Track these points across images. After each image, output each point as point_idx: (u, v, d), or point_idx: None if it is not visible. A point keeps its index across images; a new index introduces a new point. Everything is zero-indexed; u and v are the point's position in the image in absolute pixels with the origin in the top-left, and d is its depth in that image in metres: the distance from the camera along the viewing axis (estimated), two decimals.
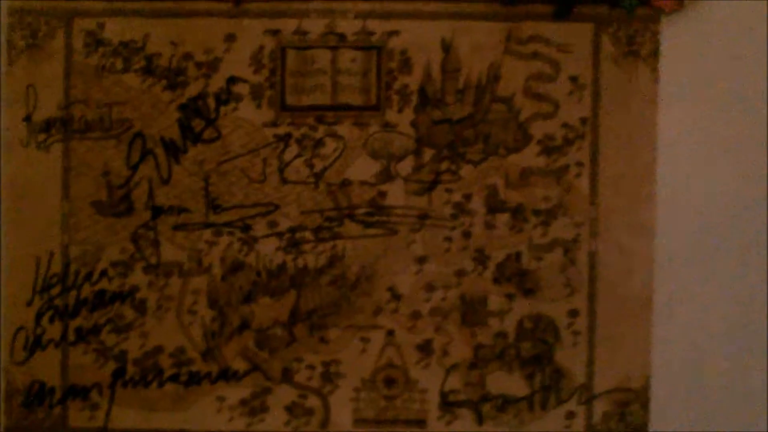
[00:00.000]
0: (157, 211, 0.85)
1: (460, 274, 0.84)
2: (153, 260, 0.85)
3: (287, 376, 0.85)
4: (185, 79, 0.85)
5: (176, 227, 0.85)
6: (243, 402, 0.85)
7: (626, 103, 0.83)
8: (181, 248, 0.85)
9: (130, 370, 0.85)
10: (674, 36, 0.83)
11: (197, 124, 0.85)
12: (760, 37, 0.84)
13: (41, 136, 0.84)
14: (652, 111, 0.83)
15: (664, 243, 0.83)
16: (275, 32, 0.84)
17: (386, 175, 0.84)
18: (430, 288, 0.84)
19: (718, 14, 0.84)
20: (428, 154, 0.84)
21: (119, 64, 0.85)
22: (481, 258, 0.84)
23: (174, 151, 0.85)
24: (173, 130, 0.85)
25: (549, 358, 0.84)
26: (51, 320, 0.85)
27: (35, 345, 0.85)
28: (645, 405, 0.84)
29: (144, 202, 0.85)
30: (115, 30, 0.85)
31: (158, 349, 0.85)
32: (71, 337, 0.85)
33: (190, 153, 0.85)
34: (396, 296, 0.84)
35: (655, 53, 0.83)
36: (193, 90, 0.85)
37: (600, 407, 0.84)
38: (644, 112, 0.83)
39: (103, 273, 0.85)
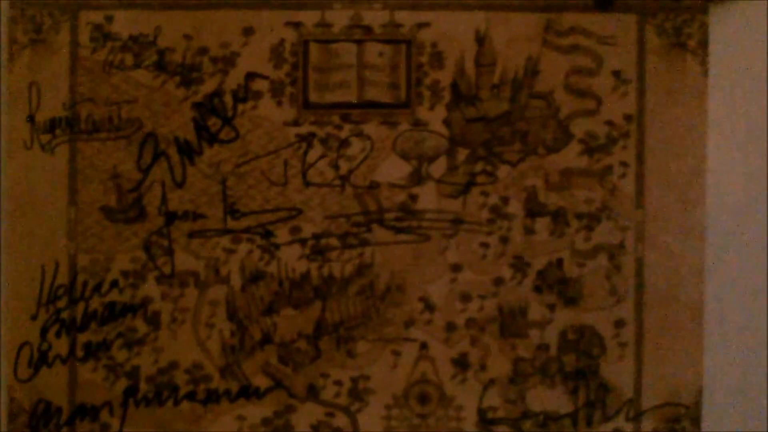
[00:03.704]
0: (171, 217, 0.80)
1: (498, 282, 0.80)
2: (167, 270, 0.80)
3: (313, 393, 0.81)
4: (200, 75, 0.80)
5: (191, 234, 0.80)
6: (265, 421, 0.81)
7: (674, 99, 0.79)
8: (197, 257, 0.80)
9: (143, 387, 0.81)
10: (724, 26, 0.79)
11: (213, 123, 0.80)
12: None
13: (45, 137, 0.80)
14: (702, 107, 0.79)
15: (715, 248, 0.79)
16: (297, 25, 0.80)
17: (417, 177, 0.80)
18: (465, 298, 0.80)
19: None
20: (462, 154, 0.80)
21: (129, 60, 0.81)
22: (520, 265, 0.80)
23: (188, 152, 0.80)
24: (188, 130, 0.80)
25: (594, 372, 0.80)
26: (57, 335, 0.80)
27: (41, 361, 0.80)
28: (696, 421, 0.80)
29: (157, 207, 0.80)
30: (124, 23, 0.80)
31: (173, 365, 0.81)
32: (79, 352, 0.80)
33: (205, 154, 0.80)
34: (429, 307, 0.80)
35: (703, 45, 0.79)
36: (208, 87, 0.80)
37: (649, 424, 0.80)
38: (693, 108, 0.79)
39: (114, 284, 0.81)
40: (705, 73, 0.79)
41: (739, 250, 0.79)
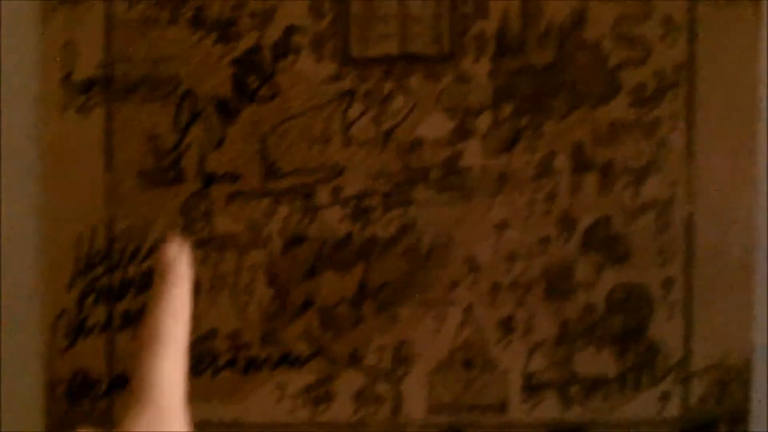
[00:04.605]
0: (210, 179, 0.78)
1: (544, 241, 0.77)
2: (205, 233, 0.78)
3: (355, 359, 0.78)
4: (238, 30, 0.78)
5: (231, 196, 0.78)
6: (307, 389, 0.79)
7: (726, 48, 0.76)
8: (237, 220, 0.78)
9: None
10: None
11: (252, 80, 0.78)
12: None
13: (81, 99, 0.78)
14: (755, 56, 0.76)
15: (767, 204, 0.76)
16: None
17: (462, 133, 0.77)
18: (511, 258, 0.77)
19: None
20: (507, 107, 0.77)
21: (165, 16, 0.78)
22: (567, 223, 0.77)
23: (227, 111, 0.78)
24: (226, 88, 0.78)
25: (642, 333, 0.77)
26: (95, 303, 0.79)
27: (78, 331, 0.79)
28: (746, 384, 0.77)
29: (195, 169, 0.78)
30: None
31: (212, 333, 0.79)
32: (117, 321, 0.79)
33: (244, 113, 0.78)
34: (474, 268, 0.77)
35: None
36: (247, 42, 0.78)
37: (697, 387, 0.77)
38: (746, 57, 0.76)
39: (152, 250, 0.78)
40: (759, 21, 0.76)
41: None
